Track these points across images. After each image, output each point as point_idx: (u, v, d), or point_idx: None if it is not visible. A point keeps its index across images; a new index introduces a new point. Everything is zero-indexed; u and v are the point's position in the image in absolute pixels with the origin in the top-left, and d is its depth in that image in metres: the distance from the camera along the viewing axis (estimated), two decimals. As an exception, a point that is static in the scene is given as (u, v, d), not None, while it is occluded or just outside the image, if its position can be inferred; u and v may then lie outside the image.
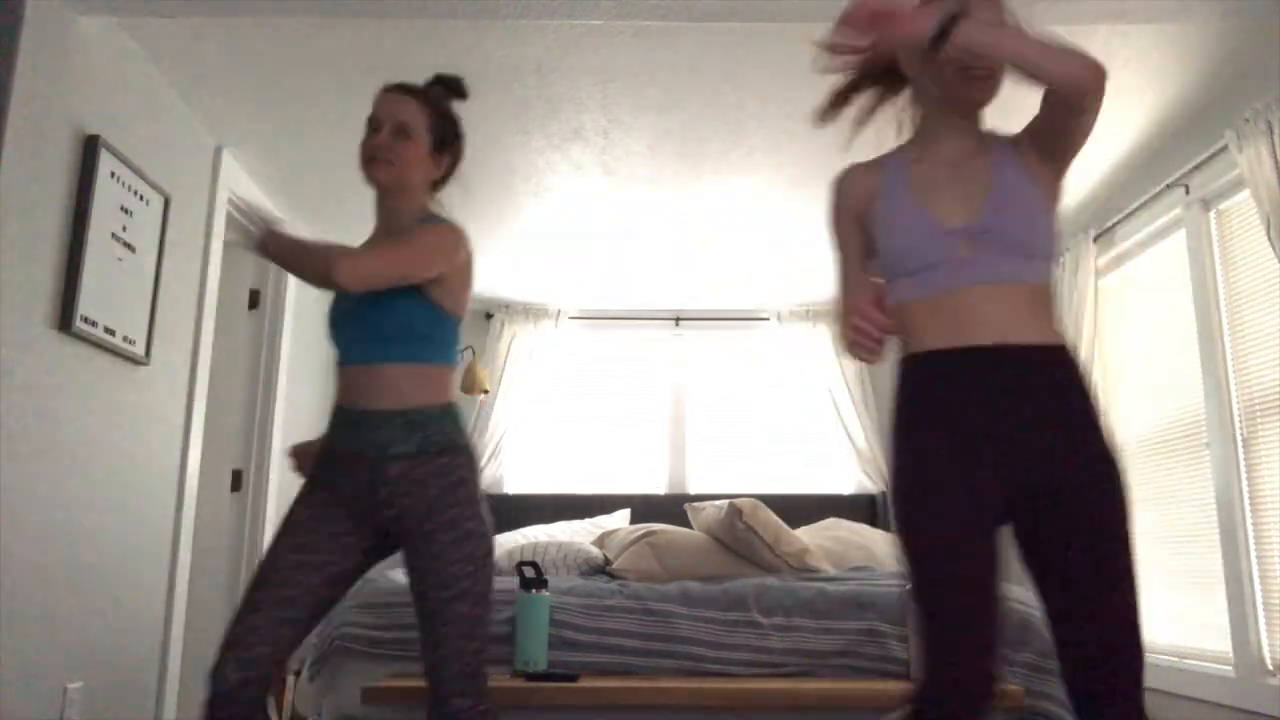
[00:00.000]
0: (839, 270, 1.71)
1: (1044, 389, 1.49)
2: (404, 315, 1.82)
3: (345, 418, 1.84)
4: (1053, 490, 1.47)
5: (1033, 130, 1.59)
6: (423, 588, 1.75)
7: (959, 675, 1.46)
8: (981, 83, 1.56)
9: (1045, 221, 1.55)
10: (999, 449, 1.49)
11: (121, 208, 2.66)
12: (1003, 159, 1.58)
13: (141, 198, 2.77)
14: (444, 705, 1.73)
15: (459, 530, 1.75)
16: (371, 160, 1.87)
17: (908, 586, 1.54)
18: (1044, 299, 1.54)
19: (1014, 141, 1.62)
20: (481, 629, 1.76)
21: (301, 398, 4.28)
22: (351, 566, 1.82)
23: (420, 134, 1.89)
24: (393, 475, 1.77)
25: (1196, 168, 3.13)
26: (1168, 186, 3.29)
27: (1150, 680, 3.46)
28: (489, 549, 1.79)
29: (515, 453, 4.95)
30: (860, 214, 1.66)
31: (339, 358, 1.89)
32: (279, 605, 1.71)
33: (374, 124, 1.89)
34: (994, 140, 1.62)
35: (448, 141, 1.96)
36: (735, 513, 3.12)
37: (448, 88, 1.99)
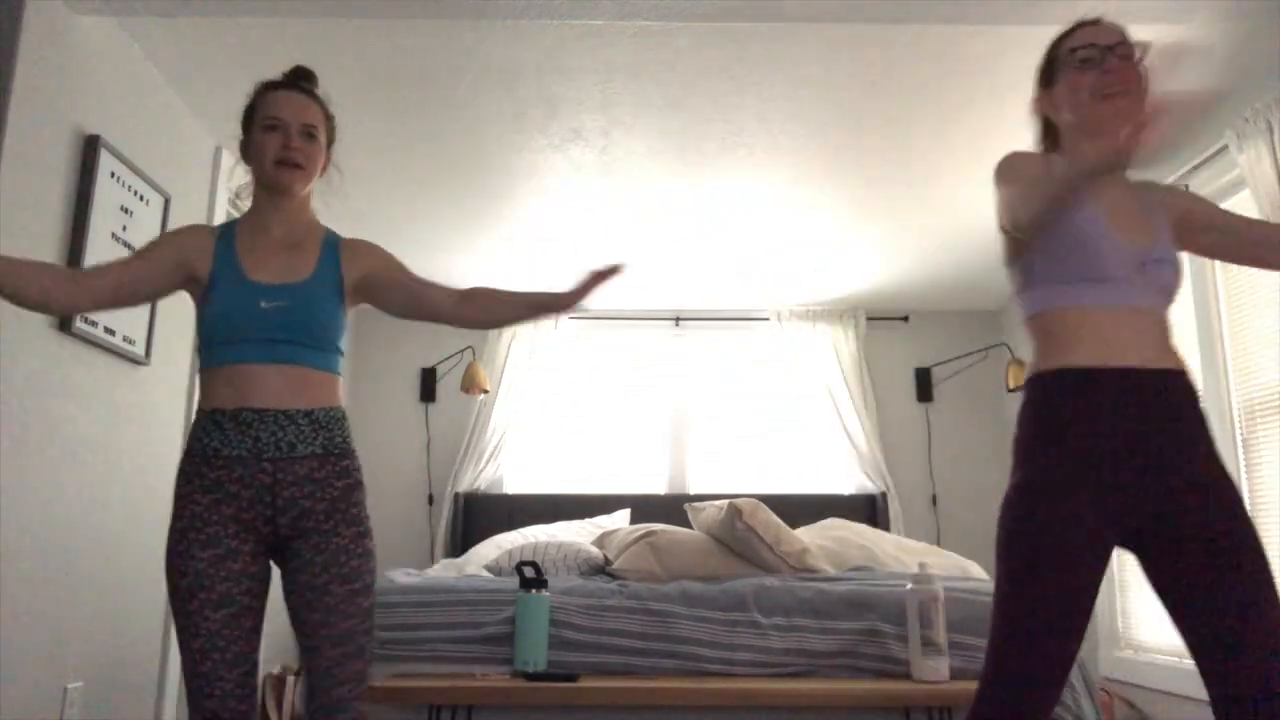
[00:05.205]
0: (1039, 188, 1.50)
1: (1173, 413, 1.52)
2: (332, 320, 1.80)
3: (238, 419, 1.71)
4: (1193, 519, 1.47)
5: (1194, 217, 1.68)
6: (325, 580, 1.71)
7: (1023, 707, 1.45)
8: (1119, 99, 1.60)
9: (1180, 268, 1.65)
10: (1136, 473, 1.50)
11: (121, 208, 2.66)
12: (1157, 204, 1.67)
13: (141, 198, 2.77)
14: (332, 693, 1.68)
15: (362, 527, 1.77)
16: (283, 163, 1.82)
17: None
18: (1170, 329, 1.61)
19: (1165, 194, 1.70)
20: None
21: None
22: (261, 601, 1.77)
23: (322, 138, 1.89)
24: (300, 475, 1.73)
25: (1196, 168, 3.13)
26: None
27: (1150, 680, 3.47)
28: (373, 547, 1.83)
29: (515, 453, 4.94)
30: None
31: (237, 356, 1.72)
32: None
33: (276, 124, 1.82)
34: (1138, 181, 1.71)
35: (331, 143, 1.95)
36: (735, 513, 3.12)
37: (312, 83, 1.95)
